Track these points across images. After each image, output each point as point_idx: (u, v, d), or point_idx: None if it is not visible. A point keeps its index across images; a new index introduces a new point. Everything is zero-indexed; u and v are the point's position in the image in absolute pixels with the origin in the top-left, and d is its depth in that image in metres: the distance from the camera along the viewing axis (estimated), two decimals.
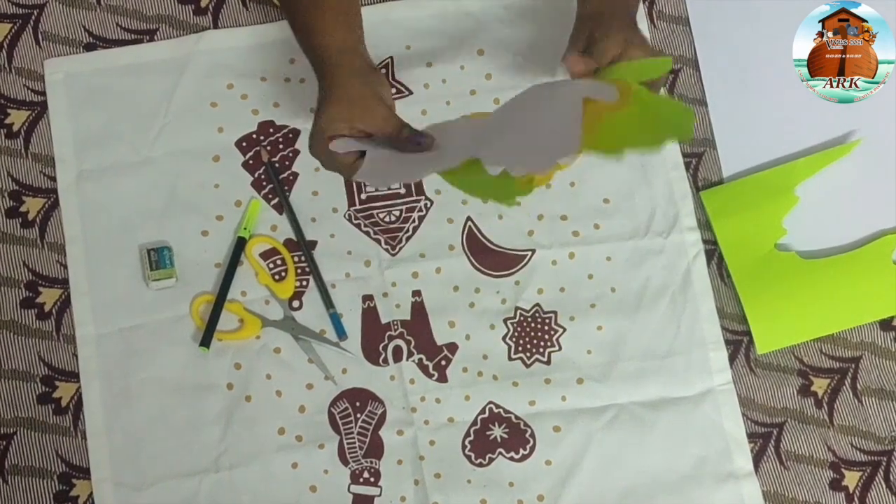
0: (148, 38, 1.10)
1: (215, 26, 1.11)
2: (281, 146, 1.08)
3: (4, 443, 1.01)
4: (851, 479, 1.04)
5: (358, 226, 1.07)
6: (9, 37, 1.10)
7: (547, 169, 0.90)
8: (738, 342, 1.07)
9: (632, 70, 0.98)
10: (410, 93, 1.10)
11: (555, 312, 1.06)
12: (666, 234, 1.08)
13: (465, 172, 0.91)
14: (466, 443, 1.03)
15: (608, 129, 0.89)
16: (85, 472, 1.01)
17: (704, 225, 1.09)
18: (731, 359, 1.06)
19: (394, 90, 1.09)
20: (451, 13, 1.12)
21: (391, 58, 1.10)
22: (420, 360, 1.05)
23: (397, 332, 1.05)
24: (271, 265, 1.06)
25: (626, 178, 1.09)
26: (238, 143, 1.08)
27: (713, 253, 1.08)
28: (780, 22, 1.12)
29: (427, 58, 1.11)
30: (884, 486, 1.04)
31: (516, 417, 1.04)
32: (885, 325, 1.07)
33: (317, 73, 0.97)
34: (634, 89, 0.92)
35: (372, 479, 1.02)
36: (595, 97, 0.91)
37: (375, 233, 1.07)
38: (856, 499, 1.04)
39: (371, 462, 1.02)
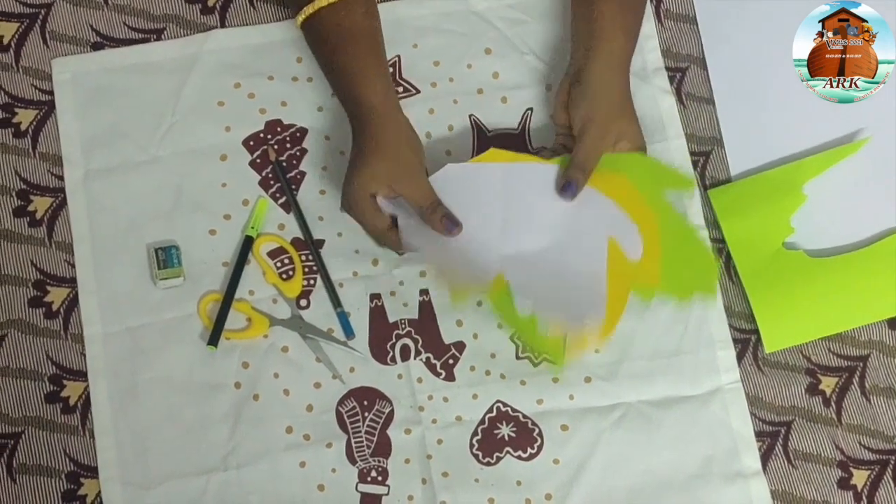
0: (155, 37, 1.10)
1: (222, 25, 1.11)
2: (288, 145, 1.08)
3: (13, 442, 1.01)
4: (860, 477, 1.04)
5: None
6: (16, 36, 1.10)
7: (578, 325, 0.94)
8: (746, 341, 1.06)
9: (647, 167, 0.99)
10: (418, 91, 1.10)
11: None
12: None
13: (509, 311, 0.97)
14: (474, 441, 1.03)
15: (635, 286, 0.97)
16: (93, 471, 1.01)
17: (712, 223, 1.08)
18: (739, 357, 1.06)
19: (400, 89, 1.09)
20: (458, 12, 1.12)
21: (398, 56, 1.10)
22: (428, 358, 1.05)
23: (405, 330, 1.05)
24: (279, 264, 1.06)
25: None
26: (245, 142, 1.08)
27: (721, 251, 1.08)
28: (787, 21, 1.12)
29: (434, 56, 1.11)
30: (892, 484, 1.04)
31: (524, 416, 1.04)
32: (893, 323, 1.07)
33: (355, 121, 1.00)
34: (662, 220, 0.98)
35: (380, 478, 1.02)
36: (618, 238, 0.95)
37: None
38: (864, 497, 1.03)
39: (379, 461, 1.02)
